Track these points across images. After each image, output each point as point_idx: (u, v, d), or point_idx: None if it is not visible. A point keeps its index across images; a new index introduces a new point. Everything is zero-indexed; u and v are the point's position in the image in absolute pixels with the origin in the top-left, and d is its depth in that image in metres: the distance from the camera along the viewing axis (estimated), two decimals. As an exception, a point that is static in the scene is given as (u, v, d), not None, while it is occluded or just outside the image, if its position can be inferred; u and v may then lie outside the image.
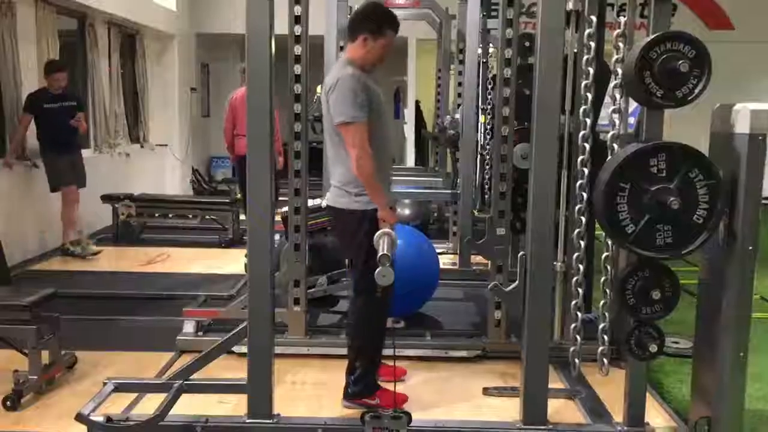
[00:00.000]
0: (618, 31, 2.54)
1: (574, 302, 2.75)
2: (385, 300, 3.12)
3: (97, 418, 2.79)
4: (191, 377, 3.01)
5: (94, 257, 6.46)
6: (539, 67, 2.68)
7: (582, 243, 2.73)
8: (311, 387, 3.62)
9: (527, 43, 4.21)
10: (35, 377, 3.38)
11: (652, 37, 2.40)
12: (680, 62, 2.34)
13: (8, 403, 3.26)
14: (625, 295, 2.51)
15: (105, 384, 3.04)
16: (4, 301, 3.54)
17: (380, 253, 2.68)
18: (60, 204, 6.41)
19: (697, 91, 2.39)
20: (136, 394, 3.30)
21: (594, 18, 2.80)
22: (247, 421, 2.84)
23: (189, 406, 3.00)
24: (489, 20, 6.08)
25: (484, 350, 3.98)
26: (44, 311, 3.52)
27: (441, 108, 7.37)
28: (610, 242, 2.61)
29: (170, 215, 7.70)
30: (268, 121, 2.71)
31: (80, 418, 2.77)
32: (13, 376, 3.35)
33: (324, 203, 3.41)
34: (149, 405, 3.05)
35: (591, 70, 2.69)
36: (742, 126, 2.47)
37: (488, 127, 5.54)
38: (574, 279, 2.75)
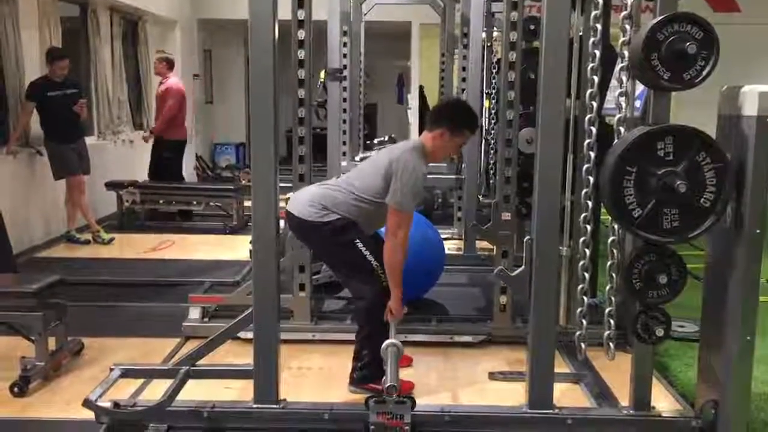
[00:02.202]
0: (624, 12, 2.51)
1: (580, 287, 2.74)
2: (387, 290, 3.15)
3: (104, 403, 2.80)
4: (197, 363, 3.02)
5: (109, 244, 6.49)
6: (544, 51, 2.65)
7: (588, 227, 2.71)
8: (317, 372, 3.63)
9: (532, 27, 4.19)
10: (42, 363, 3.39)
11: (659, 18, 2.37)
12: (688, 44, 2.31)
13: (16, 389, 3.28)
14: (632, 279, 2.50)
15: (112, 370, 3.05)
16: (10, 288, 3.56)
17: (387, 384, 2.68)
18: (64, 191, 6.43)
19: (704, 73, 2.36)
20: (142, 380, 3.32)
21: (600, 0, 2.77)
22: (254, 406, 2.84)
23: (195, 391, 3.01)
24: (493, 3, 6.02)
25: (490, 335, 3.99)
26: (50, 298, 3.53)
27: (445, 92, 7.34)
28: (616, 226, 2.60)
29: (174, 202, 7.71)
30: (271, 108, 2.69)
31: (87, 403, 2.79)
32: (20, 362, 3.37)
33: (286, 207, 3.36)
34: (156, 391, 3.06)
35: (597, 53, 2.66)
36: (749, 108, 2.45)
37: (493, 111, 5.51)
38: (580, 263, 2.74)
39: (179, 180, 7.89)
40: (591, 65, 2.67)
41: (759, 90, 2.42)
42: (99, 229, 6.59)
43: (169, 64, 7.71)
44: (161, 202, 7.62)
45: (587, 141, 2.69)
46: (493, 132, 5.53)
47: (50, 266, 5.42)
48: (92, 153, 6.68)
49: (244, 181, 8.19)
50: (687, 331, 3.98)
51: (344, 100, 6.47)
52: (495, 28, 6.04)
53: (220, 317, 4.07)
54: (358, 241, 3.16)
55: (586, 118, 2.70)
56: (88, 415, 2.81)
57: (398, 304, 3.15)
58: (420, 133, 9.93)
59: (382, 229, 3.25)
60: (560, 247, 3.54)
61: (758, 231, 2.49)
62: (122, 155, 8.25)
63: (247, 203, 6.39)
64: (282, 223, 3.71)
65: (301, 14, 3.79)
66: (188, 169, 10.58)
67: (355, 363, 3.31)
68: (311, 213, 3.19)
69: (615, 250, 2.63)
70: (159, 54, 7.80)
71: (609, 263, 2.64)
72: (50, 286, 3.54)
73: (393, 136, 8.71)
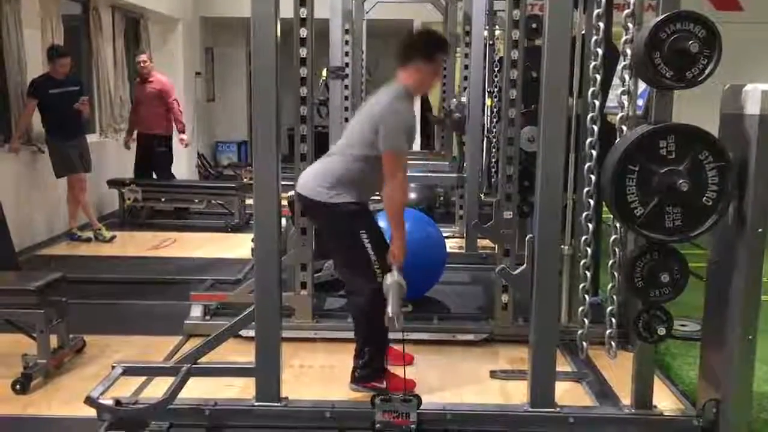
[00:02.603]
0: (627, 11, 2.51)
1: (581, 285, 2.74)
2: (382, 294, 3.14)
3: (106, 401, 2.81)
4: (199, 361, 3.02)
5: (110, 242, 6.49)
6: (547, 49, 2.65)
7: (590, 226, 2.71)
8: (319, 370, 3.63)
9: (534, 25, 4.19)
10: (44, 361, 3.40)
11: (661, 17, 2.37)
12: (690, 42, 2.31)
13: (18, 386, 3.28)
14: (634, 278, 2.50)
15: (113, 368, 3.05)
16: (12, 286, 3.56)
17: (389, 310, 2.72)
18: (66, 189, 6.43)
19: (707, 71, 2.36)
20: (144, 378, 3.32)
21: (602, -2, 2.77)
22: (255, 404, 2.85)
23: (197, 389, 3.01)
24: (495, 1, 6.03)
25: (491, 334, 3.99)
26: (52, 295, 3.53)
27: (447, 91, 7.34)
28: (618, 225, 2.60)
29: (176, 200, 7.71)
30: (273, 106, 2.69)
31: (89, 401, 2.79)
32: (22, 360, 3.37)
33: (295, 189, 3.38)
34: (158, 388, 3.06)
35: (599, 52, 2.66)
36: (752, 107, 2.44)
37: (495, 110, 5.51)
38: (582, 262, 2.74)
39: (171, 175, 7.88)
40: (593, 63, 2.67)
41: (762, 88, 2.42)
42: (100, 227, 6.59)
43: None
44: (163, 200, 7.64)
45: (589, 139, 2.68)
46: (494, 130, 5.53)
47: (52, 264, 5.43)
48: (94, 151, 6.68)
49: (245, 179, 8.18)
50: (689, 330, 3.97)
51: (346, 98, 6.46)
52: (497, 27, 6.03)
53: (222, 315, 4.07)
54: (364, 232, 3.13)
55: (588, 117, 2.69)
56: (90, 412, 2.82)
57: (401, 247, 3.12)
58: (422, 133, 9.84)
59: (387, 227, 3.24)
60: (562, 246, 3.54)
61: (760, 230, 2.49)
62: (124, 153, 8.23)
63: (249, 201, 6.39)
64: (284, 221, 3.72)
65: (303, 12, 3.79)
66: (190, 167, 10.59)
67: (356, 361, 3.31)
68: (320, 192, 3.17)
69: (617, 249, 2.62)
70: (143, 55, 7.72)
71: (611, 262, 2.63)
72: (52, 283, 3.54)
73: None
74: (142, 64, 7.55)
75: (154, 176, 7.65)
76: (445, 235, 5.05)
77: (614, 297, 2.65)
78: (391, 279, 2.94)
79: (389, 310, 2.78)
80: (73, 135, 6.27)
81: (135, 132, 7.69)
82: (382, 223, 3.40)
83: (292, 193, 3.97)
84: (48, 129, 6.20)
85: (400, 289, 2.88)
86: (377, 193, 3.32)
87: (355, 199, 3.15)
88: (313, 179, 3.23)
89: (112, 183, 7.43)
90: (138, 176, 7.58)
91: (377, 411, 2.72)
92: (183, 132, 7.73)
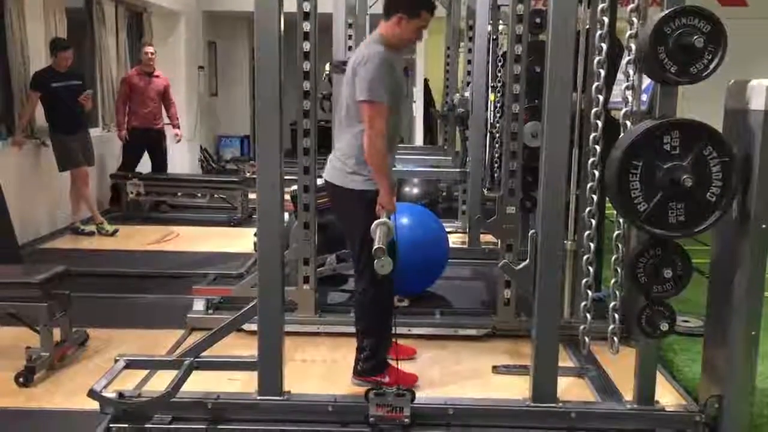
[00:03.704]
0: (632, 5, 2.50)
1: (584, 280, 2.73)
2: (388, 281, 3.13)
3: (109, 394, 2.82)
4: (202, 354, 3.03)
5: (113, 236, 6.49)
6: (551, 44, 2.64)
7: (593, 221, 2.71)
8: (321, 364, 3.63)
9: (538, 20, 4.18)
10: (47, 354, 3.41)
11: (666, 11, 2.36)
12: (695, 38, 2.30)
13: (21, 379, 3.29)
14: (637, 274, 2.49)
15: (116, 361, 3.06)
16: (15, 279, 3.57)
17: (375, 246, 2.70)
18: (69, 182, 6.44)
19: (712, 66, 2.35)
20: (147, 371, 3.33)
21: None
22: (258, 397, 2.85)
23: (200, 383, 3.01)
24: (499, -4, 6.00)
25: (494, 329, 3.99)
26: (55, 289, 3.54)
27: (450, 86, 7.32)
28: (621, 221, 2.59)
29: (179, 194, 7.72)
30: (276, 100, 2.69)
31: (92, 394, 2.80)
32: (25, 353, 3.38)
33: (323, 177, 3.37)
34: (160, 382, 3.07)
35: (604, 47, 2.65)
36: (757, 102, 2.44)
37: (498, 105, 5.49)
38: (585, 257, 2.74)
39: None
40: (597, 58, 2.66)
41: (766, 84, 2.41)
42: (102, 221, 6.60)
43: None
44: (165, 194, 7.64)
45: (593, 135, 2.67)
46: (498, 125, 5.51)
47: (55, 257, 5.44)
48: (97, 145, 6.68)
49: (248, 174, 8.18)
50: (691, 326, 3.97)
51: (349, 92, 6.45)
52: (501, 21, 6.01)
53: (225, 309, 4.08)
54: None
55: (592, 112, 2.68)
56: (93, 405, 2.83)
57: (388, 196, 3.06)
58: (424, 127, 9.85)
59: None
60: (565, 241, 3.53)
61: (764, 225, 2.48)
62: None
63: (252, 195, 6.40)
64: (287, 215, 3.72)
65: (307, 6, 3.79)
66: (193, 162, 10.60)
67: (358, 355, 3.31)
68: (339, 177, 3.16)
69: (620, 245, 2.62)
70: (149, 47, 7.56)
71: (614, 257, 2.63)
72: (55, 277, 3.55)
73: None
74: (150, 56, 7.45)
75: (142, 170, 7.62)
76: (447, 230, 5.05)
77: (617, 292, 2.65)
78: (378, 221, 2.88)
79: (375, 243, 2.72)
80: (76, 129, 6.28)
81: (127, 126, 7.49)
82: (405, 219, 3.34)
83: (294, 187, 3.99)
84: (51, 122, 6.20)
85: (387, 229, 2.83)
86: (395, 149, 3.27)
87: (367, 173, 3.10)
88: (338, 162, 3.20)
89: (115, 177, 7.43)
90: (131, 170, 7.54)
91: (371, 405, 2.73)
92: (179, 127, 7.72)
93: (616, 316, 2.66)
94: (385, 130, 3.02)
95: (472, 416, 2.86)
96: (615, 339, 2.67)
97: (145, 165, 7.71)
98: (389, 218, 3.01)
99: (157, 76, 7.56)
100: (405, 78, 3.19)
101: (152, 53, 7.49)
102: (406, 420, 2.73)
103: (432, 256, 4.44)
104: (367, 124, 3.02)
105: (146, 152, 7.61)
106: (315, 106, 3.89)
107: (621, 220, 2.59)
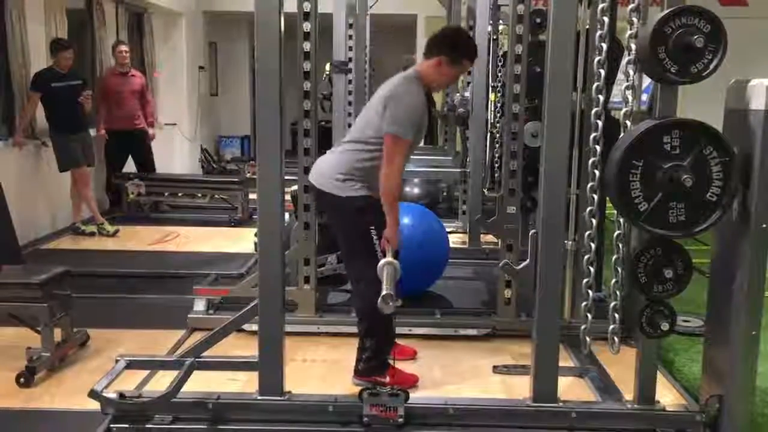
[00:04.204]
0: (632, 5, 2.50)
1: (585, 280, 2.74)
2: None
3: (110, 394, 2.81)
4: (202, 355, 3.03)
5: (114, 236, 6.49)
6: (551, 44, 2.64)
7: (593, 221, 2.71)
8: (322, 364, 3.64)
9: (538, 20, 4.18)
10: (48, 354, 3.41)
11: (666, 11, 2.36)
12: (695, 37, 2.30)
13: (22, 380, 3.29)
14: (637, 273, 2.50)
15: (117, 361, 3.06)
16: (16, 280, 3.57)
17: (384, 292, 2.69)
18: (69, 183, 6.44)
19: (712, 66, 2.36)
20: (148, 372, 3.33)
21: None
22: (259, 398, 2.85)
23: (200, 383, 3.01)
24: (499, -4, 6.00)
25: (494, 329, 3.99)
26: (56, 289, 3.54)
27: (450, 86, 7.31)
28: (621, 220, 2.60)
29: (180, 194, 7.72)
30: (277, 100, 2.69)
31: (93, 394, 2.80)
32: (26, 353, 3.38)
33: (309, 180, 3.36)
34: (161, 382, 3.07)
35: (604, 47, 2.65)
36: (757, 102, 2.44)
37: (498, 105, 5.49)
38: (585, 257, 2.74)
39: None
40: (597, 58, 2.66)
41: (766, 84, 2.41)
42: (103, 221, 6.60)
43: None
44: (166, 194, 7.64)
45: (593, 134, 2.67)
46: (498, 125, 5.52)
47: (56, 258, 5.44)
48: (98, 145, 6.68)
49: (249, 174, 8.19)
50: (692, 326, 3.97)
51: (350, 92, 6.46)
52: (501, 21, 6.01)
53: (225, 309, 4.08)
54: (372, 228, 3.11)
55: (592, 112, 2.69)
56: (94, 405, 2.83)
57: (394, 232, 3.08)
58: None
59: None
60: (565, 241, 3.53)
61: (764, 225, 2.48)
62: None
63: (253, 196, 6.40)
64: (287, 215, 3.72)
65: (307, 6, 3.79)
66: (193, 162, 10.60)
67: (359, 355, 3.31)
68: (333, 185, 3.15)
69: (620, 244, 2.62)
70: (124, 45, 7.43)
71: (614, 257, 2.63)
72: (56, 277, 3.55)
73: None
74: (124, 54, 7.31)
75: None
76: (448, 230, 5.04)
77: (617, 292, 2.65)
78: (384, 260, 2.90)
79: (383, 288, 2.73)
80: (76, 129, 6.28)
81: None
82: (406, 219, 3.36)
83: (295, 187, 3.99)
84: (51, 123, 6.20)
85: (394, 270, 2.84)
86: None
87: (366, 192, 3.13)
88: (328, 170, 3.20)
89: (116, 177, 7.44)
90: (119, 172, 7.51)
91: (365, 405, 2.72)
92: (153, 126, 7.73)
93: (617, 315, 2.66)
94: (403, 168, 3.05)
95: (472, 416, 2.85)
96: (615, 339, 2.67)
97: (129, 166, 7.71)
98: (394, 255, 3.03)
99: (132, 75, 7.48)
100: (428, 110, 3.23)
101: (126, 51, 7.37)
102: (400, 420, 2.73)
103: (432, 256, 4.44)
104: (387, 159, 3.03)
105: (130, 155, 7.58)
106: (315, 106, 3.89)
107: (621, 220, 2.59)
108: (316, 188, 3.25)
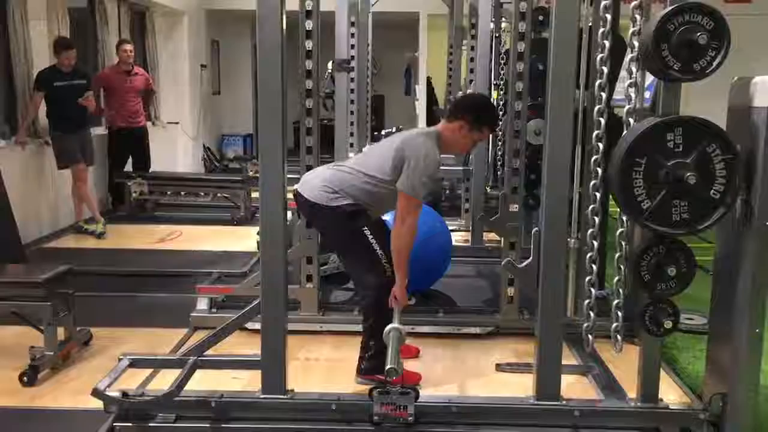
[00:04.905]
0: (635, 2, 2.49)
1: (587, 278, 2.73)
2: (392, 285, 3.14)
3: (113, 393, 2.82)
4: (205, 353, 3.03)
5: (99, 238, 6.44)
6: (553, 41, 2.63)
7: (596, 219, 2.70)
8: (324, 363, 3.64)
9: (541, 17, 4.18)
10: (51, 353, 3.41)
11: (669, 8, 2.35)
12: (699, 34, 2.29)
13: (25, 378, 3.30)
14: (640, 271, 2.49)
15: (120, 360, 3.06)
16: (19, 278, 3.58)
17: (388, 366, 2.69)
18: (71, 182, 6.44)
19: (715, 63, 2.34)
20: (151, 370, 3.33)
21: (610, -10, 2.75)
22: (261, 396, 2.85)
23: (203, 381, 3.02)
24: (502, -6, 6.00)
25: (497, 327, 3.99)
26: (59, 288, 3.54)
27: (453, 84, 7.31)
28: (624, 218, 2.59)
29: (182, 193, 7.73)
30: (279, 99, 2.69)
31: (96, 393, 2.80)
32: (29, 352, 3.39)
33: (296, 188, 3.33)
34: (164, 381, 3.07)
35: (607, 44, 2.64)
36: (760, 99, 2.43)
37: (501, 102, 5.49)
38: (588, 255, 2.73)
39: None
40: (600, 56, 2.65)
41: (770, 81, 2.40)
42: (101, 220, 6.51)
43: None
44: (169, 193, 7.65)
45: (596, 132, 2.67)
46: (501, 123, 5.52)
47: (59, 256, 5.45)
48: (99, 143, 6.67)
49: (251, 172, 8.19)
50: (695, 324, 3.97)
51: (352, 91, 6.46)
52: (503, 19, 6.01)
53: (228, 308, 4.08)
54: (366, 229, 3.14)
55: (595, 109, 2.68)
56: (97, 404, 2.83)
57: (402, 291, 3.12)
58: (428, 125, 9.87)
59: (390, 220, 3.24)
60: (568, 239, 3.52)
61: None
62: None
63: (255, 194, 6.40)
64: (290, 214, 3.72)
65: (309, 5, 3.78)
66: (196, 160, 10.61)
67: (362, 354, 3.31)
68: (322, 196, 3.16)
69: (623, 242, 2.61)
70: (128, 44, 7.44)
71: (617, 255, 2.63)
72: (59, 276, 3.56)
73: (401, 127, 8.68)
74: (129, 53, 7.34)
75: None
76: (450, 228, 5.04)
77: (620, 290, 2.64)
78: (390, 326, 2.91)
79: (388, 360, 2.73)
80: (76, 128, 6.26)
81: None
82: (387, 216, 3.39)
83: (297, 186, 3.98)
84: (51, 121, 6.21)
85: (400, 337, 2.87)
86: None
87: (353, 201, 3.15)
88: (320, 182, 3.21)
89: (119, 176, 7.44)
90: (120, 170, 7.53)
91: (375, 403, 2.72)
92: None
93: (620, 313, 2.65)
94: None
95: (475, 414, 2.85)
96: (618, 337, 2.67)
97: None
98: (400, 313, 3.07)
99: (136, 73, 7.52)
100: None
101: (130, 50, 7.39)
102: (410, 418, 2.73)
103: (435, 254, 4.43)
104: (400, 217, 3.07)
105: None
106: (317, 104, 3.89)
107: (624, 218, 2.59)
108: (303, 198, 3.23)
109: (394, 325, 2.93)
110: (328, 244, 3.51)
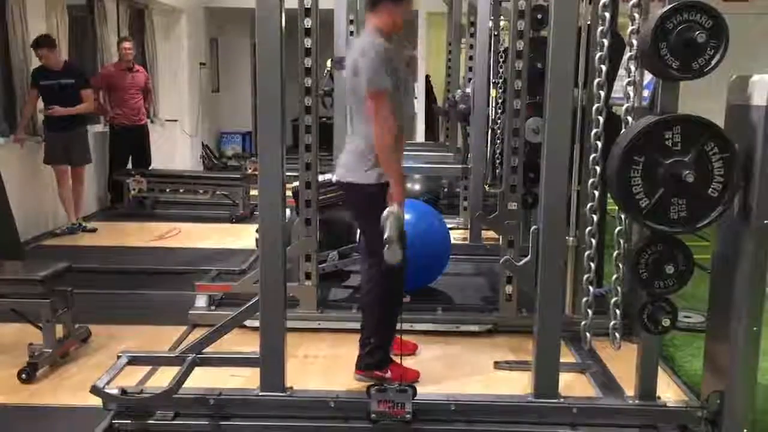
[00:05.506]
0: (633, 1, 2.50)
1: (586, 276, 2.74)
2: (398, 276, 3.13)
3: (112, 390, 2.82)
4: (204, 351, 3.03)
5: (74, 233, 6.42)
6: (552, 40, 2.64)
7: (594, 217, 2.71)
8: (323, 360, 3.64)
9: (540, 15, 4.17)
10: (50, 350, 3.41)
11: (668, 7, 2.35)
12: (697, 33, 2.29)
13: (24, 376, 3.30)
14: (638, 269, 2.49)
15: (119, 357, 3.07)
16: (18, 276, 3.58)
17: (386, 235, 2.69)
18: (71, 180, 6.43)
19: (713, 62, 2.35)
20: (149, 368, 3.34)
21: (609, -12, 2.75)
22: (260, 394, 2.86)
23: (202, 379, 3.02)
24: (501, -8, 5.99)
25: (495, 325, 3.99)
26: (58, 285, 3.54)
27: (451, 82, 7.31)
28: (623, 216, 2.59)
29: (181, 190, 7.73)
30: (278, 96, 2.69)
31: (95, 390, 2.80)
32: (28, 349, 3.39)
33: (334, 178, 3.37)
34: (163, 378, 3.08)
35: (605, 42, 2.64)
36: (759, 98, 2.43)
37: (500, 101, 5.48)
38: (586, 253, 2.73)
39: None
40: (599, 54, 2.65)
41: (768, 79, 2.40)
42: (76, 222, 6.45)
43: None
44: (167, 190, 7.65)
45: (594, 130, 2.67)
46: (499, 121, 5.51)
47: (57, 254, 5.44)
48: (99, 141, 6.64)
49: (250, 170, 8.19)
50: (693, 322, 3.97)
51: (351, 89, 6.45)
52: (502, 17, 6.00)
53: (227, 305, 4.08)
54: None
55: (594, 108, 2.68)
56: (96, 401, 2.84)
57: (398, 188, 3.06)
58: (426, 124, 9.81)
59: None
60: (566, 237, 3.53)
61: (766, 221, 2.48)
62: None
63: (254, 192, 6.40)
64: (288, 211, 3.73)
65: (308, 2, 3.79)
66: (194, 158, 10.60)
67: (361, 351, 3.32)
68: (358, 175, 3.15)
69: (621, 240, 2.62)
70: (127, 42, 7.45)
71: (615, 253, 2.63)
72: (58, 273, 3.56)
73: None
74: (128, 50, 7.36)
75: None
76: (449, 226, 5.05)
77: (618, 288, 2.65)
78: (388, 210, 2.89)
79: (386, 235, 2.73)
80: (61, 128, 6.18)
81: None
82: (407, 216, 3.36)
83: (296, 183, 3.99)
84: (44, 118, 6.21)
85: (398, 218, 2.85)
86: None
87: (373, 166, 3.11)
88: (355, 160, 3.17)
89: (118, 173, 7.44)
90: (121, 168, 7.52)
91: (372, 401, 2.73)
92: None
93: (618, 311, 2.66)
94: (392, 118, 3.02)
95: (473, 412, 2.86)
96: (616, 335, 2.67)
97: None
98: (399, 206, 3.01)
99: (137, 71, 7.54)
100: (407, 71, 3.22)
101: (131, 48, 7.41)
102: (408, 416, 2.74)
103: (433, 252, 4.44)
104: (375, 115, 3.02)
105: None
106: (316, 102, 3.89)
107: (622, 216, 2.59)
108: (345, 183, 3.22)
109: (391, 209, 2.90)
110: (355, 218, 3.46)
